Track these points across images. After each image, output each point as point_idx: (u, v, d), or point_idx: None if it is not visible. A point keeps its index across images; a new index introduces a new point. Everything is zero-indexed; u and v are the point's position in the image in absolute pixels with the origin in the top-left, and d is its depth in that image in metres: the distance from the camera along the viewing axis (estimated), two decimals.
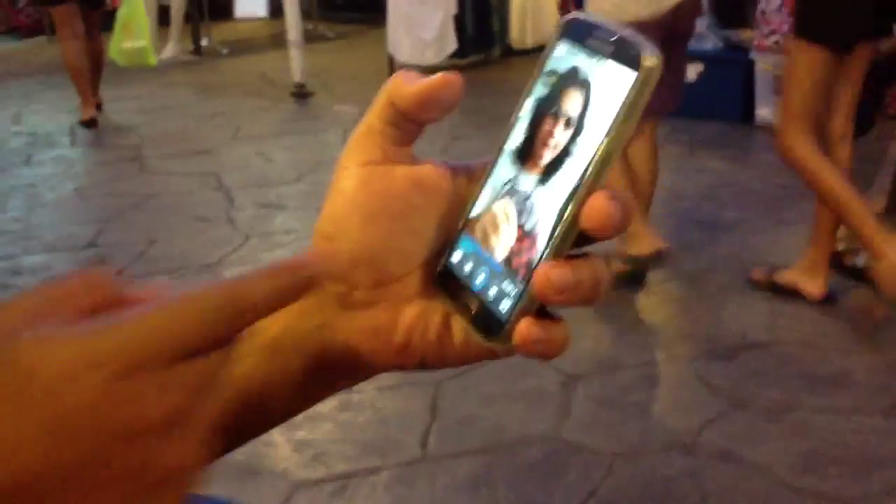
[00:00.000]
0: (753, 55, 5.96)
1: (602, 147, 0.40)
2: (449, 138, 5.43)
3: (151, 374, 0.35)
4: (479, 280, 0.44)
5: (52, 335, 0.35)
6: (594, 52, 0.42)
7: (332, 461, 2.69)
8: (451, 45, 7.34)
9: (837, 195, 3.24)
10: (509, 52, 7.94)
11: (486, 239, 0.45)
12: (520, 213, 0.44)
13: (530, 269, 0.42)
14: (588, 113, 0.41)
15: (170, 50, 8.80)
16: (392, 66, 7.61)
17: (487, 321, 0.44)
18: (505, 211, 0.44)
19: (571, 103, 0.42)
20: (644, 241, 3.53)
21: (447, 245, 0.47)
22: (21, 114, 6.90)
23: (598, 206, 0.40)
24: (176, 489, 0.37)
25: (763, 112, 6.01)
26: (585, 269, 0.42)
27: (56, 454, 0.34)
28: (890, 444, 2.71)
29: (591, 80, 0.42)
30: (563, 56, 0.44)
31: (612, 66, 0.41)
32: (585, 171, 0.41)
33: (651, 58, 0.39)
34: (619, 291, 3.54)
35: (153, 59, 7.44)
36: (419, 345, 0.47)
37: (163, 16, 8.81)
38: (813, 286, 3.46)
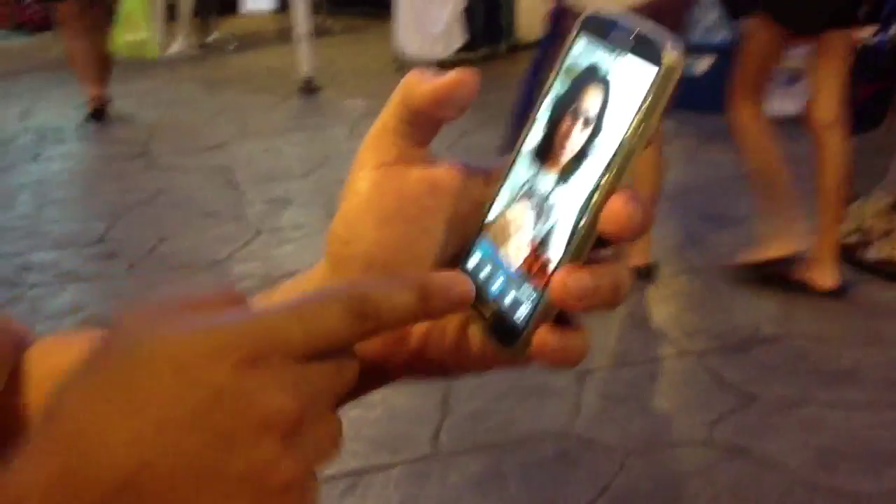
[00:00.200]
0: None
1: (622, 147, 0.39)
2: (456, 134, 5.41)
3: (277, 368, 0.34)
4: (496, 286, 0.43)
5: (173, 330, 0.35)
6: (614, 47, 0.40)
7: (344, 458, 2.68)
8: (460, 38, 7.32)
9: (767, 170, 3.57)
10: (517, 47, 7.92)
11: (503, 243, 0.44)
12: (537, 215, 0.42)
13: (548, 274, 0.41)
14: (607, 111, 0.40)
15: (178, 45, 8.80)
16: (400, 61, 7.60)
17: (504, 329, 0.42)
18: (522, 214, 0.43)
19: (590, 101, 0.41)
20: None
21: (464, 249, 0.45)
22: (29, 110, 6.91)
23: (618, 209, 0.39)
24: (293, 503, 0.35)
25: (772, 104, 5.98)
26: (605, 273, 0.40)
27: (169, 451, 0.33)
28: None
29: (610, 76, 0.40)
30: (582, 52, 0.42)
31: (632, 61, 0.39)
32: (605, 172, 0.39)
33: (672, 53, 0.38)
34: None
35: (154, 51, 7.47)
36: (436, 352, 0.46)
37: (170, 11, 8.81)
38: (824, 278, 3.45)
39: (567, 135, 0.42)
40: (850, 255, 3.79)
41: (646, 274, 3.59)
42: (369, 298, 0.37)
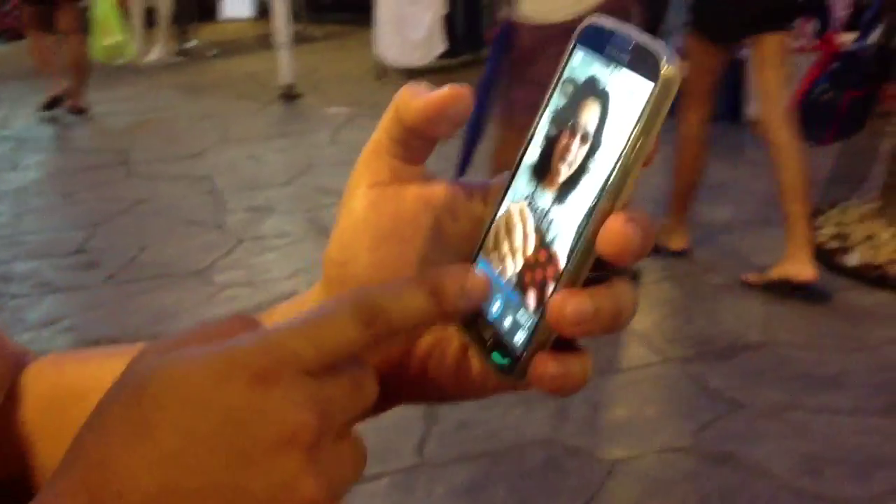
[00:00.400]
0: (743, 54, 5.95)
1: (619, 165, 0.37)
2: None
3: (289, 384, 0.34)
4: (495, 308, 0.42)
5: (185, 358, 0.34)
6: (611, 60, 0.39)
7: None
8: (440, 45, 7.32)
9: (686, 170, 3.84)
10: None
11: (501, 263, 0.42)
12: (536, 235, 0.41)
13: (546, 298, 0.39)
14: (605, 127, 0.39)
15: (157, 52, 8.77)
16: (380, 67, 7.60)
17: (503, 354, 0.41)
18: (520, 233, 0.42)
19: (588, 116, 0.40)
20: None
21: None
22: (8, 118, 6.86)
23: (615, 231, 0.37)
24: None
25: (752, 110, 6.01)
26: (605, 296, 0.39)
27: (190, 474, 0.33)
28: (889, 444, 2.70)
29: (608, 90, 0.39)
30: (580, 65, 0.41)
31: (629, 75, 0.38)
32: (602, 190, 0.38)
33: (669, 67, 0.37)
34: None
35: (132, 52, 7.51)
36: (436, 375, 0.44)
37: (149, 17, 8.77)
38: (801, 271, 3.49)
39: (565, 151, 0.40)
40: (831, 261, 3.81)
41: (630, 278, 3.60)
42: (377, 303, 0.36)
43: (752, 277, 3.64)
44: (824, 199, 4.35)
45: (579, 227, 0.38)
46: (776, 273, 3.54)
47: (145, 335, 3.41)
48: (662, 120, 0.37)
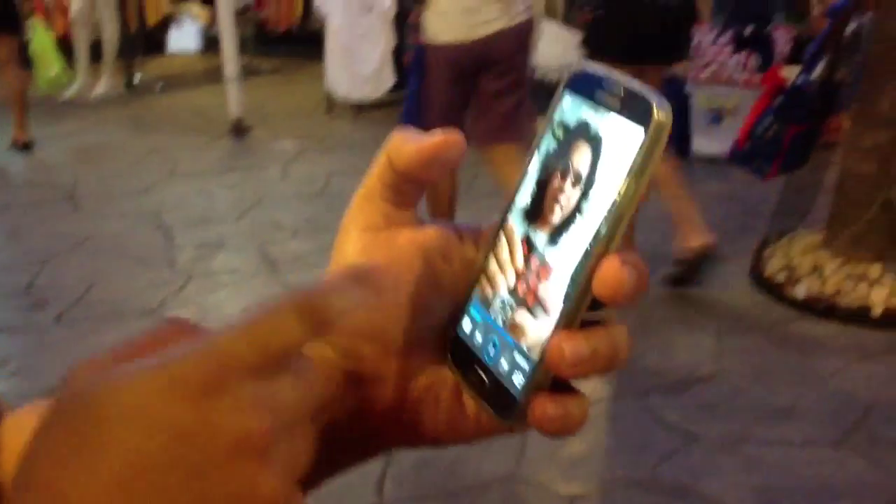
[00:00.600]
0: (689, 88, 6.06)
1: (613, 208, 0.38)
2: None
3: (234, 390, 0.33)
4: (491, 352, 0.42)
5: (122, 376, 0.33)
6: (602, 105, 0.40)
7: None
8: (390, 79, 7.34)
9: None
10: None
11: (495, 306, 0.43)
12: (530, 277, 0.41)
13: (542, 340, 0.40)
14: (597, 171, 0.39)
15: (102, 86, 8.67)
16: (330, 101, 7.59)
17: (500, 398, 0.41)
18: (514, 275, 0.42)
19: (580, 160, 0.40)
20: None
21: (456, 311, 0.44)
22: None
23: (611, 273, 0.38)
24: None
25: (699, 144, 6.11)
26: (602, 338, 0.39)
27: (147, 497, 0.32)
28: (841, 474, 2.74)
29: (599, 135, 0.40)
30: (570, 109, 0.42)
31: (620, 120, 0.39)
32: (597, 234, 0.38)
33: (661, 112, 0.37)
34: None
35: (65, 79, 7.67)
36: (430, 420, 0.44)
37: (94, 51, 8.68)
38: (699, 238, 3.78)
39: (557, 194, 0.41)
40: (780, 293, 3.88)
41: None
42: (317, 297, 0.35)
43: (666, 276, 3.79)
44: (771, 231, 4.43)
45: (575, 269, 0.39)
46: (681, 254, 3.72)
47: None
48: (656, 164, 0.38)
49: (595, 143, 0.40)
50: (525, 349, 0.41)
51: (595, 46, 4.02)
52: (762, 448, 2.86)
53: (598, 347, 0.39)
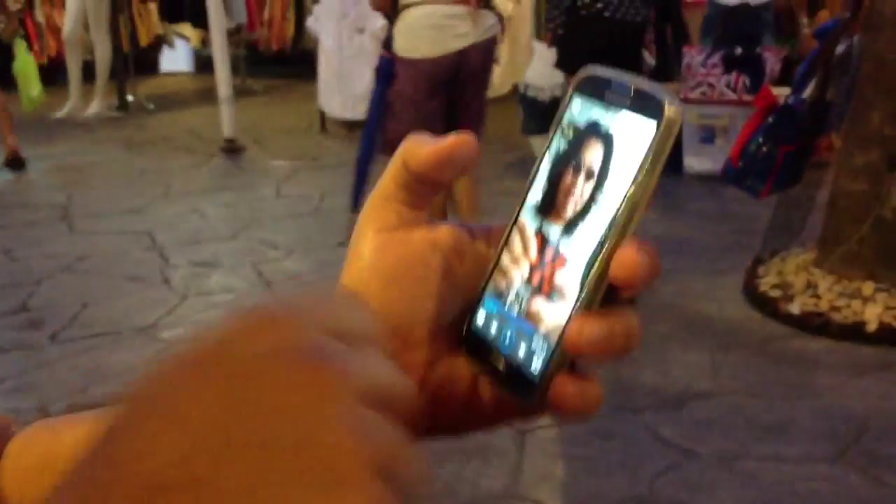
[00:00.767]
0: None
1: (628, 198, 0.40)
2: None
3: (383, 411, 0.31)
4: (507, 340, 0.44)
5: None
6: (612, 104, 0.41)
7: None
8: None
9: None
10: None
11: (511, 297, 0.44)
12: (545, 268, 0.43)
13: (560, 324, 0.41)
14: (611, 164, 0.41)
15: (95, 106, 8.69)
16: (323, 121, 7.62)
17: (519, 382, 0.43)
18: (528, 266, 0.44)
19: (592, 155, 0.42)
20: None
21: (470, 307, 0.46)
22: None
23: (628, 258, 0.40)
24: None
25: (691, 162, 6.16)
26: (618, 320, 0.41)
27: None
28: (838, 490, 2.75)
29: (611, 131, 0.41)
30: (580, 111, 0.43)
31: (631, 117, 0.40)
32: (612, 222, 0.40)
33: (672, 107, 0.39)
34: None
35: (43, 99, 7.79)
36: (445, 411, 0.45)
37: (87, 71, 8.70)
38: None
39: (570, 189, 0.42)
40: (774, 309, 3.90)
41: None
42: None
43: None
44: (764, 249, 4.46)
45: (591, 256, 0.40)
46: None
47: (92, 395, 3.34)
48: (666, 157, 0.39)
49: (607, 139, 0.41)
50: (543, 334, 0.42)
51: (562, 63, 4.27)
52: (758, 464, 2.87)
53: (615, 329, 0.41)
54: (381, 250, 0.45)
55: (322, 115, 7.66)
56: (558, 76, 5.29)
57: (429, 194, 0.45)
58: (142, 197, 6.07)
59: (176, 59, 11.23)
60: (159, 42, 10.76)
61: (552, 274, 0.42)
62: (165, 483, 0.28)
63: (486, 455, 2.94)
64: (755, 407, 3.22)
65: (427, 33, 3.91)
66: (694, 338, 3.73)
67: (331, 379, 0.30)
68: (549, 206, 0.43)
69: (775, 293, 3.98)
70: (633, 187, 0.39)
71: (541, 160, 0.45)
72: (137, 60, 9.75)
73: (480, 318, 0.45)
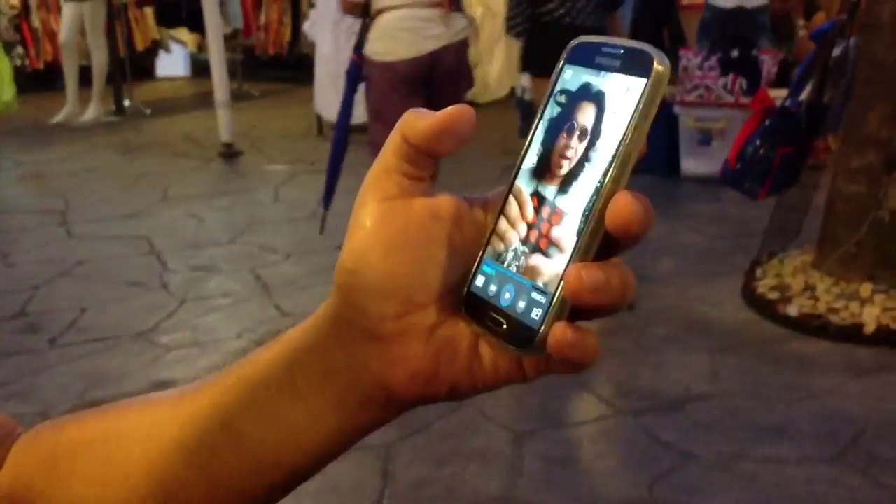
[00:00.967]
0: (677, 109, 6.11)
1: (621, 150, 0.41)
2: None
3: None
4: (507, 297, 0.45)
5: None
6: (602, 68, 0.43)
7: None
8: None
9: None
10: None
11: (509, 257, 0.45)
12: (542, 224, 0.44)
13: (559, 274, 0.42)
14: (603, 121, 0.42)
15: (92, 111, 8.69)
16: (320, 125, 7.62)
17: (520, 333, 0.44)
18: (525, 226, 0.45)
19: (585, 116, 0.43)
20: None
21: (470, 272, 0.47)
22: None
23: (623, 205, 0.41)
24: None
25: (688, 165, 6.16)
26: (614, 271, 0.42)
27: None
28: (837, 491, 2.75)
29: (603, 91, 0.42)
30: (571, 78, 0.44)
31: (621, 77, 0.42)
32: (606, 173, 0.41)
33: (660, 63, 0.40)
34: None
35: (16, 106, 7.75)
36: (447, 372, 0.47)
37: (84, 76, 8.70)
38: None
39: (565, 150, 0.44)
40: (772, 312, 3.90)
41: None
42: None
43: None
44: (762, 251, 4.46)
45: (586, 208, 0.42)
46: None
47: (90, 400, 3.34)
48: (656, 110, 0.41)
49: (598, 98, 0.43)
50: (541, 286, 0.43)
51: (532, 65, 4.47)
52: (758, 466, 2.87)
53: (612, 278, 0.42)
54: (382, 219, 0.46)
55: (319, 120, 7.66)
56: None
57: (428, 166, 0.47)
58: (139, 202, 6.07)
59: (173, 63, 11.24)
60: (156, 47, 10.77)
61: (549, 230, 0.43)
62: None
63: (485, 458, 2.94)
64: (754, 409, 3.22)
65: (402, 35, 4.03)
66: (693, 340, 3.74)
67: None
68: (545, 169, 0.44)
69: (773, 295, 3.98)
70: (624, 140, 0.41)
71: (535, 128, 0.46)
72: (134, 65, 9.76)
73: (480, 280, 0.46)
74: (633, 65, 0.41)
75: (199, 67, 10.15)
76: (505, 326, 0.44)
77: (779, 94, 4.57)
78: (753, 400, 3.28)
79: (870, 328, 3.66)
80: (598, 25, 4.38)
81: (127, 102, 9.29)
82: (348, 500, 2.78)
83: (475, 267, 0.46)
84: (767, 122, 4.19)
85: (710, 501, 2.72)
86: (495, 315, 0.45)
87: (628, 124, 0.41)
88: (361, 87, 4.31)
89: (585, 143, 0.42)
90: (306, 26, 8.20)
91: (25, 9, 10.00)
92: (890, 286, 3.85)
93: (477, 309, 0.46)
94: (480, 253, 0.46)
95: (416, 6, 4.04)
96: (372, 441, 2.94)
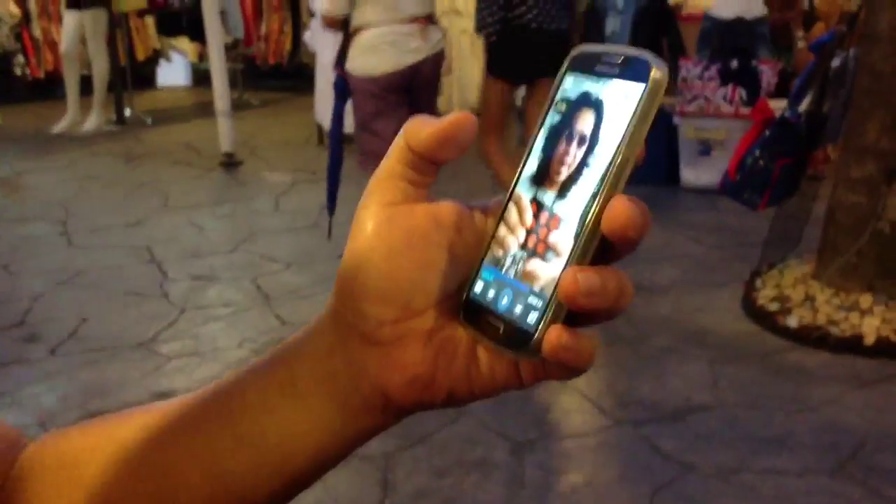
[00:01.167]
0: (677, 120, 6.12)
1: (618, 155, 0.41)
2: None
3: None
4: (504, 301, 0.45)
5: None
6: (602, 75, 0.43)
7: None
8: None
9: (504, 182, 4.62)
10: None
11: (508, 262, 0.45)
12: (540, 230, 0.44)
13: (555, 278, 0.43)
14: (601, 127, 0.42)
15: (93, 120, 8.70)
16: (321, 134, 7.63)
17: (516, 336, 0.44)
18: (525, 231, 0.45)
19: (583, 122, 0.43)
20: None
21: (469, 278, 0.47)
22: None
23: (619, 208, 0.41)
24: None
25: (688, 175, 6.17)
26: (611, 276, 0.42)
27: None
28: (837, 503, 2.75)
29: (601, 99, 0.43)
30: (572, 86, 0.45)
31: (620, 83, 0.42)
32: (603, 177, 0.42)
33: (658, 69, 0.41)
34: None
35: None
36: (445, 377, 0.47)
37: (85, 86, 8.71)
38: None
39: (564, 157, 0.44)
40: (772, 323, 3.90)
41: None
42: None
43: None
44: (762, 261, 4.47)
45: (583, 212, 0.42)
46: None
47: (91, 410, 3.34)
48: (653, 116, 0.41)
49: (597, 105, 0.43)
50: (538, 290, 0.44)
51: (494, 67, 4.71)
52: (758, 478, 2.87)
53: (608, 283, 0.42)
54: (385, 223, 0.46)
55: (319, 129, 7.66)
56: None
57: (431, 173, 0.47)
58: (140, 211, 6.08)
59: (173, 73, 11.26)
60: (157, 56, 10.79)
61: (547, 235, 0.44)
62: None
63: (485, 469, 2.94)
64: (754, 420, 3.22)
65: (384, 49, 4.19)
66: (692, 350, 3.74)
67: None
68: (544, 176, 0.45)
69: (773, 306, 3.99)
70: (622, 145, 0.41)
71: (535, 136, 0.46)
72: (135, 75, 9.78)
73: (478, 286, 0.47)
74: (632, 71, 0.42)
75: (200, 77, 10.17)
76: (502, 330, 0.45)
77: (778, 105, 4.58)
78: (753, 411, 3.28)
79: (869, 340, 3.66)
80: (562, 28, 4.68)
81: (128, 112, 9.31)
82: None
83: (474, 273, 0.47)
84: (767, 133, 4.20)
85: None
86: (492, 320, 0.45)
87: (626, 129, 0.41)
88: None
89: (584, 149, 0.43)
90: (307, 36, 8.23)
91: (26, 18, 10.03)
92: (889, 297, 3.85)
93: (475, 314, 0.46)
94: (480, 259, 0.47)
95: (395, 22, 4.20)
96: (372, 451, 2.95)
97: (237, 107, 8.24)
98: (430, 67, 4.35)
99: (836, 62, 4.24)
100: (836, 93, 4.26)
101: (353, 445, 0.50)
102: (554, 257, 0.43)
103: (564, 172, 0.44)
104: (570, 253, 0.42)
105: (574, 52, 0.46)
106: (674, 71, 6.28)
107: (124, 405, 0.60)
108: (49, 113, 8.97)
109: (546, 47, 4.66)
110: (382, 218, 0.46)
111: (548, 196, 0.44)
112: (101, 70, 8.70)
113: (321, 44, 7.39)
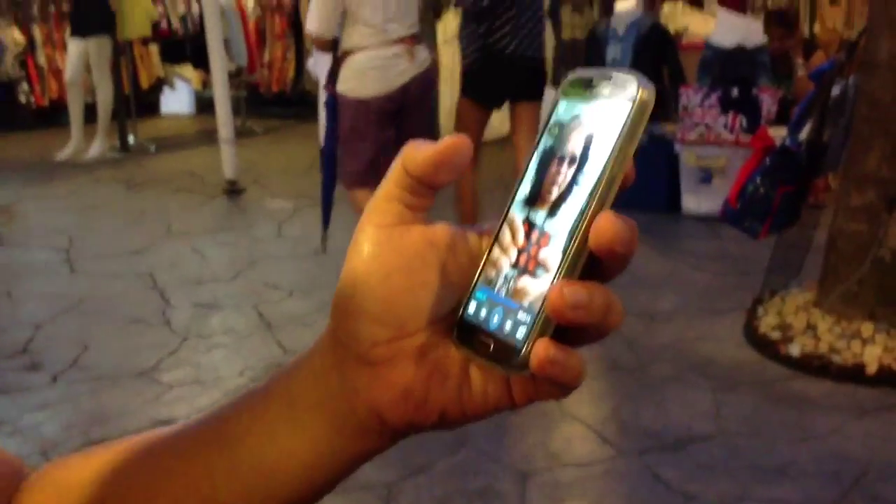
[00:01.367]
0: (678, 148, 6.15)
1: (606, 172, 0.43)
2: None
3: None
4: (495, 319, 0.46)
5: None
6: (592, 97, 0.45)
7: None
8: None
9: (467, 216, 4.91)
10: None
11: (500, 282, 0.46)
12: (531, 248, 0.45)
13: (544, 293, 0.43)
14: (590, 146, 0.44)
15: (96, 148, 8.74)
16: None
17: (505, 351, 0.45)
18: (516, 251, 0.46)
19: (573, 142, 0.45)
20: None
21: (462, 299, 0.48)
22: None
23: (606, 224, 0.42)
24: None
25: (689, 202, 6.19)
26: (597, 290, 0.43)
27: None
28: None
29: (592, 120, 0.44)
30: (565, 111, 0.46)
31: (609, 103, 0.44)
32: (591, 194, 0.43)
33: (645, 89, 0.42)
34: None
35: None
36: (437, 397, 0.48)
37: (89, 113, 8.76)
38: None
39: (555, 176, 0.45)
40: (774, 351, 3.90)
41: None
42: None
43: None
44: (764, 289, 4.47)
45: (571, 228, 0.43)
46: None
47: (93, 438, 3.34)
48: (640, 134, 0.43)
49: (587, 127, 0.44)
50: (527, 305, 0.44)
51: (468, 89, 4.95)
52: None
53: (595, 297, 0.43)
54: (381, 245, 0.47)
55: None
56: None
57: (428, 196, 0.48)
58: (143, 238, 6.10)
59: (177, 100, 11.31)
60: (160, 84, 10.84)
61: (537, 252, 0.45)
62: None
63: (487, 498, 2.94)
64: (756, 449, 3.21)
65: (373, 73, 4.34)
66: (694, 379, 3.73)
67: None
68: (536, 196, 0.46)
69: (775, 334, 3.99)
70: (609, 163, 0.43)
71: (529, 159, 0.47)
72: (139, 102, 9.82)
73: (472, 307, 0.47)
74: (619, 91, 0.43)
75: (204, 104, 10.21)
76: (492, 347, 0.45)
77: (778, 133, 4.60)
78: (755, 440, 3.27)
79: (871, 369, 3.66)
80: (537, 56, 4.93)
81: (131, 139, 9.35)
82: None
83: (468, 294, 0.48)
84: (768, 161, 4.22)
85: None
86: (484, 338, 0.46)
87: (613, 147, 0.42)
88: None
89: (573, 168, 0.44)
90: (310, 63, 8.26)
91: (31, 45, 10.09)
92: (891, 325, 3.85)
93: (468, 334, 0.47)
94: (475, 280, 0.48)
95: (383, 45, 4.32)
96: (373, 480, 2.94)
97: (240, 134, 8.27)
98: (419, 86, 4.48)
99: (835, 90, 4.26)
100: (836, 121, 4.28)
101: (349, 469, 0.51)
102: (543, 273, 0.44)
103: (555, 192, 0.45)
104: (558, 268, 0.43)
105: (568, 76, 0.47)
106: (674, 99, 6.31)
107: (126, 434, 0.61)
108: (53, 140, 9.01)
109: (520, 72, 4.89)
110: (378, 239, 0.47)
111: (539, 215, 0.45)
112: (105, 98, 8.75)
113: (324, 71, 7.44)
